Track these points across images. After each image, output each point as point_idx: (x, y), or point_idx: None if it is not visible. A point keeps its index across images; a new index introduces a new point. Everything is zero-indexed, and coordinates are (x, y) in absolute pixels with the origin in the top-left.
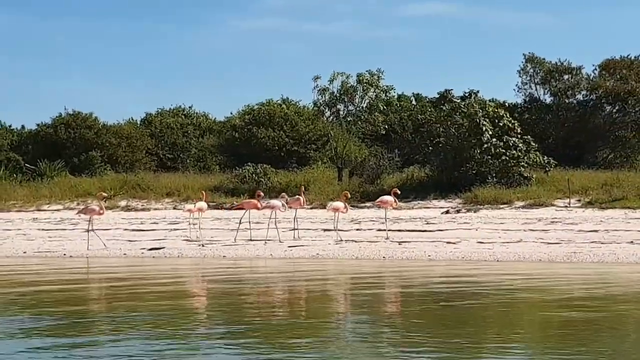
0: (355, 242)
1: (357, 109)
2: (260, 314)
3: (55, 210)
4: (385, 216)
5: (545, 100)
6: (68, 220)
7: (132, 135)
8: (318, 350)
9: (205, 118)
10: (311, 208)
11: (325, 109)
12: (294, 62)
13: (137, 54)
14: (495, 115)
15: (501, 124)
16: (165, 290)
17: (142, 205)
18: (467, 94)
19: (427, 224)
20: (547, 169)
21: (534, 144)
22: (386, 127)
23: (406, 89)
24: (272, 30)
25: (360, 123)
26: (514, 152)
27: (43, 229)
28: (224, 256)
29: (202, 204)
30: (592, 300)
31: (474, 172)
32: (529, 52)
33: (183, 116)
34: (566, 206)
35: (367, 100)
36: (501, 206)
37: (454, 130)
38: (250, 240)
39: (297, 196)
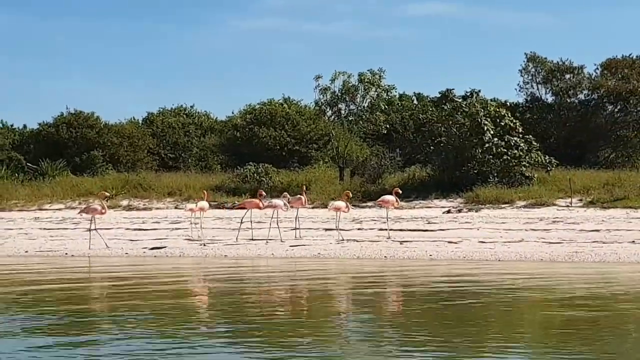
0: (357, 241)
1: (359, 108)
2: (261, 313)
3: (56, 209)
4: (386, 216)
5: (546, 99)
6: (70, 220)
7: (133, 134)
8: (320, 349)
9: (207, 117)
10: (312, 207)
11: (326, 108)
12: (295, 62)
13: (138, 53)
14: (496, 114)
15: (503, 124)
16: (167, 289)
17: (143, 205)
18: (468, 94)
19: (429, 223)
20: (548, 168)
21: (535, 144)
22: (387, 126)
23: (407, 88)
24: (272, 30)
25: (361, 122)
26: (516, 151)
27: (45, 229)
28: (225, 255)
29: (204, 204)
30: (593, 300)
31: (475, 171)
32: (531, 52)
33: (184, 116)
34: (568, 206)
35: (369, 100)
36: (503, 206)
37: (455, 130)
38: (252, 239)
39: (299, 195)
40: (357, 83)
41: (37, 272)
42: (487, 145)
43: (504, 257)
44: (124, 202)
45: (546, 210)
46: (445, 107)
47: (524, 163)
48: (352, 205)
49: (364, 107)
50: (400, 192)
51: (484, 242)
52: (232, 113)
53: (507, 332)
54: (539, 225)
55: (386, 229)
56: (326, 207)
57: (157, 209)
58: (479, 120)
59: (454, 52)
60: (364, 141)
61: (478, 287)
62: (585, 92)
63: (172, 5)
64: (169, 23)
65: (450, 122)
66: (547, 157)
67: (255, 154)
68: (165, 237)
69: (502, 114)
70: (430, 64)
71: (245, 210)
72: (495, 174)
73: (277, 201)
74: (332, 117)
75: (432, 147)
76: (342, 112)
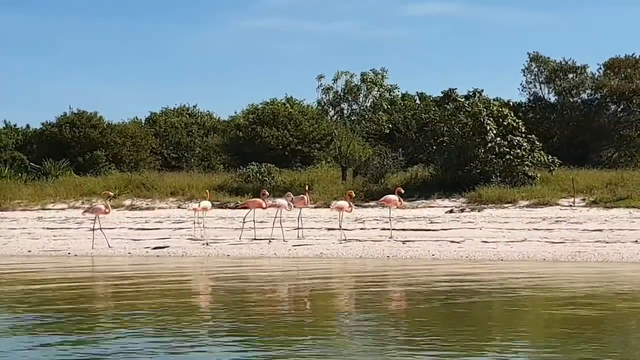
0: (359, 241)
1: (361, 108)
2: (264, 312)
3: (60, 209)
4: (389, 215)
5: (549, 99)
6: (73, 219)
7: (136, 134)
8: (322, 349)
9: (210, 117)
10: (315, 207)
11: (329, 108)
12: (296, 62)
13: (140, 53)
14: (499, 114)
15: (505, 123)
16: (170, 289)
17: (146, 205)
18: (471, 93)
19: (431, 223)
20: (551, 168)
21: (538, 143)
22: (390, 126)
23: (410, 88)
24: (273, 30)
25: (364, 122)
26: (518, 151)
27: (48, 228)
28: (228, 255)
29: (207, 203)
30: (596, 299)
31: (478, 171)
32: (534, 51)
33: (187, 115)
34: (570, 205)
35: (371, 100)
36: (505, 205)
37: (458, 130)
38: (254, 239)
39: (302, 195)
40: (359, 83)
41: (40, 272)
42: (489, 144)
43: (507, 257)
44: (127, 202)
45: (549, 210)
46: (448, 107)
47: (526, 163)
48: (355, 205)
49: (366, 106)
50: (403, 191)
51: (486, 242)
52: (235, 113)
53: (509, 331)
54: (541, 225)
55: (389, 229)
56: (329, 207)
57: (160, 208)
58: (482, 119)
59: (457, 51)
60: (367, 141)
61: (480, 286)
62: (588, 91)
63: (173, 4)
64: (170, 22)
65: (453, 122)
66: (549, 157)
67: (258, 153)
68: (168, 236)
69: (505, 113)
70: (433, 64)
71: (248, 210)
72: (498, 174)
73: (280, 201)
74: (335, 116)
75: (434, 147)
76: (345, 111)
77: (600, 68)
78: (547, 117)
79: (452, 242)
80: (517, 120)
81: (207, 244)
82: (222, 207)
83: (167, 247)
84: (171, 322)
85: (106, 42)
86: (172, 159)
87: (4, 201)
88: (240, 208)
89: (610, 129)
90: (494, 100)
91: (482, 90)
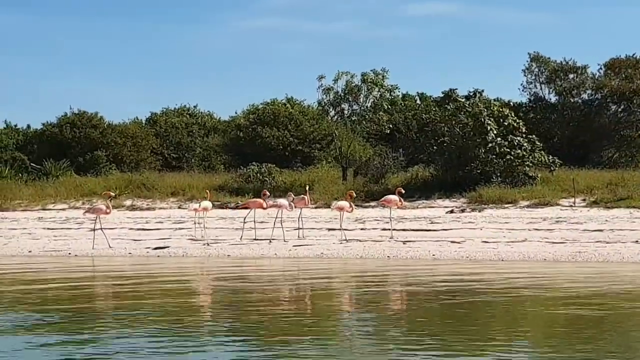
0: (360, 241)
1: (362, 108)
2: (265, 312)
3: (60, 209)
4: (390, 215)
5: (550, 99)
6: (73, 220)
7: (137, 134)
8: (323, 348)
9: (210, 117)
10: (315, 207)
11: (329, 108)
12: (296, 62)
13: (140, 53)
14: (500, 114)
15: (506, 124)
16: (170, 289)
17: (147, 205)
18: (471, 93)
19: (432, 223)
20: (552, 168)
21: (538, 144)
22: (391, 126)
23: (410, 88)
24: (273, 30)
25: (364, 122)
26: (519, 151)
27: (48, 228)
28: (228, 255)
29: (207, 203)
30: (596, 299)
31: (478, 171)
32: (534, 51)
33: (188, 116)
34: (571, 205)
35: (372, 100)
36: (506, 206)
37: (458, 130)
38: (255, 239)
39: (302, 195)
40: (360, 83)
41: (40, 271)
42: (490, 145)
43: (507, 257)
44: (128, 202)
45: (549, 210)
46: (449, 107)
47: (527, 163)
48: (355, 205)
49: (367, 107)
50: (404, 191)
51: (487, 242)
52: (235, 113)
53: (511, 331)
54: (542, 225)
55: (389, 229)
56: (329, 207)
57: (161, 208)
58: (482, 120)
59: (457, 51)
60: (367, 141)
61: (481, 286)
62: (589, 91)
63: (173, 4)
64: (171, 22)
65: (454, 122)
66: (550, 157)
67: (259, 154)
68: (168, 237)
69: (506, 113)
70: (433, 64)
71: (249, 210)
72: (499, 174)
73: (282, 201)
74: (335, 117)
75: (435, 147)
76: (345, 112)
77: (601, 68)
78: (548, 118)
79: (452, 242)
80: (517, 121)
81: (208, 244)
82: (223, 208)
83: (168, 247)
84: (172, 322)
85: (106, 42)
86: (173, 159)
87: (4, 201)
88: (240, 208)
89: (610, 129)
90: (494, 100)
91: (482, 91)
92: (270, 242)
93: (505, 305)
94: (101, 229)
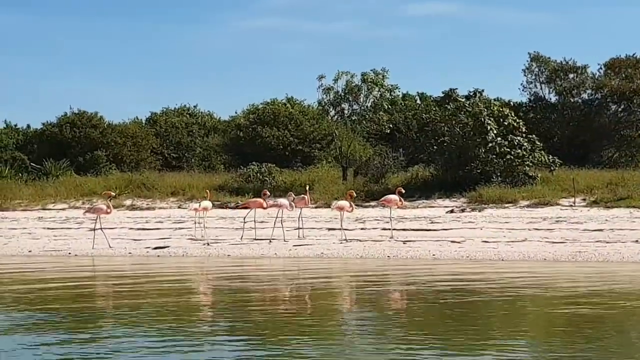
0: (360, 241)
1: (362, 108)
2: (265, 311)
3: (60, 209)
4: (390, 215)
5: (550, 99)
6: (73, 219)
7: (137, 134)
8: (324, 348)
9: (210, 117)
10: (316, 207)
11: (329, 108)
12: (296, 62)
13: (140, 53)
14: (500, 114)
15: (506, 123)
16: (170, 288)
17: (147, 205)
18: (471, 93)
19: (432, 223)
20: (552, 168)
21: (538, 143)
22: (391, 126)
23: (410, 88)
24: (273, 30)
25: (364, 122)
26: (519, 151)
27: (48, 228)
28: (228, 255)
29: (207, 203)
30: (596, 298)
31: (478, 171)
32: (534, 51)
33: (188, 115)
34: (571, 205)
35: (372, 100)
36: (506, 205)
37: (458, 130)
38: (255, 239)
39: (302, 195)
40: (360, 83)
41: (40, 271)
42: (490, 144)
43: (508, 257)
44: (128, 202)
45: (549, 210)
46: (449, 107)
47: (527, 163)
48: (355, 205)
49: (367, 106)
50: (404, 191)
51: (487, 242)
52: (235, 113)
53: (511, 330)
54: (542, 225)
55: (389, 229)
56: (329, 207)
57: (161, 208)
58: (482, 119)
59: (457, 52)
60: (367, 141)
61: (482, 286)
62: (589, 91)
63: (173, 4)
64: (171, 22)
65: (454, 122)
66: (550, 157)
67: (259, 153)
68: (168, 236)
69: (506, 113)
70: (433, 64)
71: (248, 210)
72: (499, 174)
73: (282, 200)
74: (335, 116)
75: (435, 147)
76: (345, 111)
77: (601, 68)
78: (548, 117)
79: (452, 242)
80: (517, 120)
81: (208, 244)
82: (223, 207)
83: (168, 247)
84: (172, 321)
85: (106, 42)
86: (173, 159)
87: (4, 201)
88: (241, 208)
89: (610, 129)
90: (494, 100)
91: (482, 90)
92: (270, 241)
93: (506, 304)
94: (101, 228)
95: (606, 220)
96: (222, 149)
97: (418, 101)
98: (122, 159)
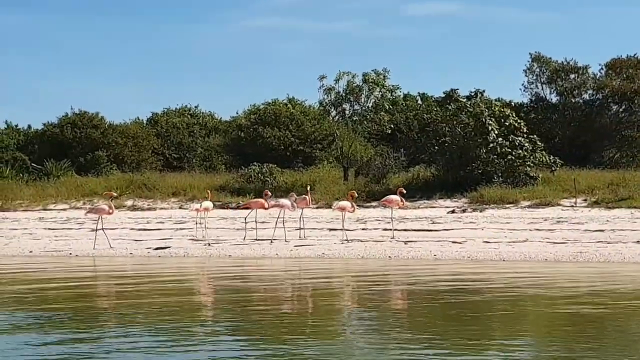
0: (361, 241)
1: (363, 108)
2: (265, 311)
3: (61, 209)
4: (391, 216)
5: (551, 99)
6: (74, 220)
7: (138, 135)
8: (325, 347)
9: (211, 118)
10: (317, 208)
11: (331, 108)
12: (297, 62)
13: (139, 53)
14: (501, 114)
15: (507, 124)
16: (171, 288)
17: (148, 205)
18: (473, 94)
19: (433, 223)
20: (553, 168)
21: (540, 144)
22: (392, 126)
23: (412, 88)
24: (273, 30)
25: (366, 122)
26: (520, 151)
27: (49, 229)
28: (229, 255)
29: (208, 204)
30: (597, 298)
31: (479, 171)
32: (535, 51)
33: (189, 116)
34: (572, 206)
35: (373, 100)
36: (507, 206)
37: (459, 130)
38: (256, 239)
39: (304, 195)
40: (361, 83)
41: (41, 271)
42: (491, 145)
43: (509, 257)
44: (129, 202)
45: (551, 210)
46: (450, 107)
47: (528, 163)
48: (357, 205)
49: (368, 107)
50: (405, 192)
51: (488, 242)
52: (237, 113)
53: (513, 329)
54: (543, 226)
55: (390, 229)
56: (330, 207)
57: (162, 209)
58: (484, 120)
59: (458, 51)
60: (368, 141)
61: (483, 286)
62: (590, 92)
63: (173, 4)
64: (171, 22)
65: (455, 122)
66: (551, 157)
67: (260, 154)
68: (169, 237)
69: (507, 113)
70: (434, 64)
71: (250, 210)
72: (500, 174)
73: (284, 201)
74: (337, 117)
75: (436, 147)
76: (347, 112)
77: (602, 68)
78: (549, 118)
79: (453, 242)
80: (518, 121)
81: (209, 245)
82: (224, 208)
83: (169, 247)
84: (172, 321)
85: (107, 42)
86: (174, 159)
87: (5, 202)
88: (242, 208)
89: (612, 129)
90: (495, 100)
91: (483, 91)
92: (271, 242)
93: (507, 304)
94: (103, 229)
95: (607, 220)
96: (223, 150)
97: (419, 101)
98: (123, 159)
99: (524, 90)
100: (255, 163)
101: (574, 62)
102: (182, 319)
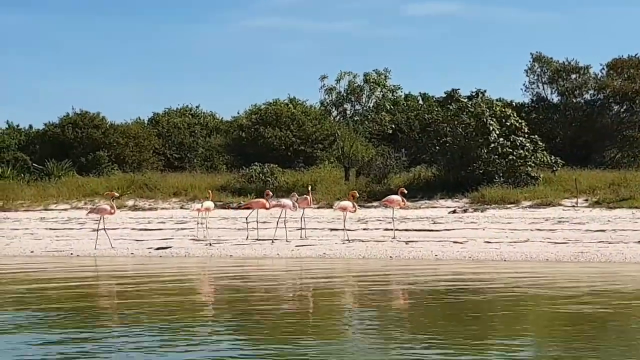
0: (362, 241)
1: (364, 108)
2: (266, 311)
3: (62, 209)
4: (392, 216)
5: (552, 99)
6: (75, 220)
7: (139, 135)
8: (326, 347)
9: (212, 118)
10: (318, 208)
11: (332, 108)
12: (297, 62)
13: (140, 53)
14: (502, 114)
15: (508, 124)
16: (172, 288)
17: (149, 205)
18: (474, 94)
19: (434, 223)
20: (554, 168)
21: (541, 144)
22: (393, 126)
23: (413, 88)
24: (273, 30)
25: (367, 122)
26: (521, 151)
27: (50, 229)
28: (230, 255)
29: (209, 204)
30: (598, 298)
31: (481, 171)
32: (537, 52)
33: (190, 116)
34: (573, 206)
35: (374, 100)
36: (508, 206)
37: (461, 130)
38: (257, 239)
39: (305, 195)
40: (362, 83)
41: (42, 271)
42: (492, 145)
43: (510, 257)
44: (130, 202)
45: (552, 211)
46: (451, 107)
47: (529, 163)
48: (358, 205)
49: (369, 107)
50: (406, 192)
51: (489, 242)
52: (238, 113)
53: (514, 329)
54: (544, 226)
55: (392, 229)
56: (332, 207)
57: (163, 209)
58: (485, 120)
59: (458, 51)
60: (370, 141)
61: (484, 286)
62: (591, 92)
63: (173, 4)
64: (171, 22)
65: (456, 122)
66: (552, 157)
67: (261, 154)
68: (170, 237)
69: (508, 114)
70: (434, 64)
71: (251, 210)
72: (501, 174)
73: (285, 201)
74: (338, 117)
75: (437, 147)
76: (348, 112)
77: (603, 68)
78: (550, 118)
79: (455, 242)
80: (520, 121)
81: (210, 245)
82: (225, 208)
83: (170, 247)
84: (173, 321)
85: (107, 42)
86: (175, 159)
87: (6, 202)
88: (243, 208)
89: (613, 129)
90: (496, 100)
91: (485, 91)
92: (272, 242)
93: (508, 304)
94: (104, 229)
95: (608, 220)
96: (225, 150)
97: (420, 101)
98: (125, 159)
99: (525, 91)
100: (256, 163)
101: (575, 62)
102: (183, 319)
